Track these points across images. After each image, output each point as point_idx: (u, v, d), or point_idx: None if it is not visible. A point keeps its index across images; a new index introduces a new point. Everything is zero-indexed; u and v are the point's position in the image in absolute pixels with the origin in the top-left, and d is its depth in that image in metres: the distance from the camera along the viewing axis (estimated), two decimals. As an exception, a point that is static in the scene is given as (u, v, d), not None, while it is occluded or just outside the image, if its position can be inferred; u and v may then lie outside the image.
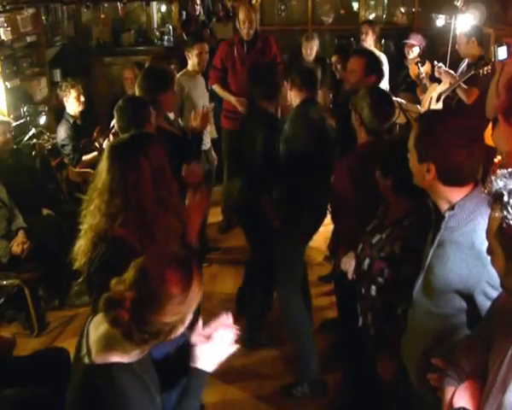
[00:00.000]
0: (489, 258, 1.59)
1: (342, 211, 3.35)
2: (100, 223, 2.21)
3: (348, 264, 2.93)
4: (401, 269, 2.51)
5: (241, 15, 5.30)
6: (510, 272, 1.47)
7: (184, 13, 7.52)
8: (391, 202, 2.70)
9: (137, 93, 3.81)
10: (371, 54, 4.26)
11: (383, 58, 5.83)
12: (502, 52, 3.78)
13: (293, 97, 3.87)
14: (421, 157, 2.07)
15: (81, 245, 2.28)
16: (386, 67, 5.82)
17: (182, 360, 2.03)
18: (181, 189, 2.54)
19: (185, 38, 6.89)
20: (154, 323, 1.65)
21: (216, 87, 5.60)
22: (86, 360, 1.74)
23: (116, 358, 1.73)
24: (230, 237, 5.74)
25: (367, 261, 2.70)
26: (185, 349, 2.01)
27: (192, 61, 5.22)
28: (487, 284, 1.91)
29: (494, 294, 1.91)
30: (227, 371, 3.81)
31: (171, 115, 4.55)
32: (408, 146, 2.18)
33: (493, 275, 1.77)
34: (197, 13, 7.67)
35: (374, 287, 2.65)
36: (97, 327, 1.80)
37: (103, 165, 2.25)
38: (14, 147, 4.91)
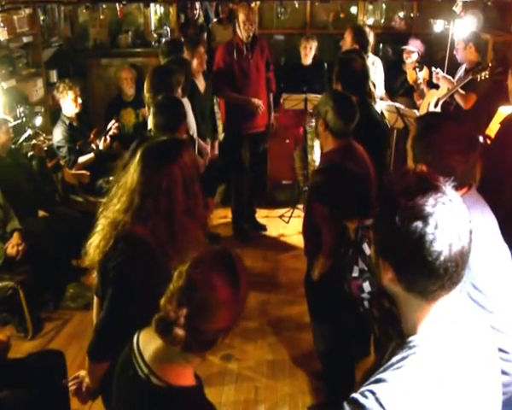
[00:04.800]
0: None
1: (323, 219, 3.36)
2: (125, 222, 2.19)
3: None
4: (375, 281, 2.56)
5: (242, 16, 5.28)
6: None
7: (183, 16, 7.48)
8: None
9: (148, 93, 3.85)
10: None
11: (378, 62, 5.85)
12: None
13: None
14: (415, 158, 2.12)
15: (98, 240, 2.26)
16: (380, 71, 5.83)
17: None
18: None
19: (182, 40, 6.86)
20: (211, 331, 1.61)
21: (228, 93, 5.50)
22: (155, 381, 1.65)
23: (184, 373, 1.68)
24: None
25: (346, 285, 2.79)
26: None
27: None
28: (472, 286, 1.90)
29: (478, 296, 1.93)
30: (223, 372, 3.88)
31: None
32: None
33: (478, 277, 1.76)
34: (196, 16, 7.65)
35: (365, 302, 2.72)
36: (149, 342, 1.73)
37: (136, 166, 2.23)
38: (13, 147, 4.89)
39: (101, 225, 2.29)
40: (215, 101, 6.06)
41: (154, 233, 2.18)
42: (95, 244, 2.27)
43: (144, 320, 1.83)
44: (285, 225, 6.21)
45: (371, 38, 5.32)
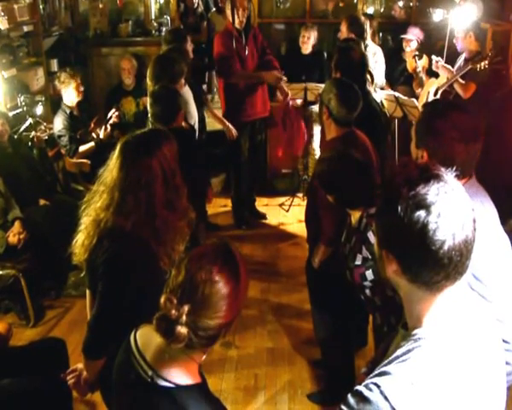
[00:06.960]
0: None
1: (324, 207, 3.38)
2: (107, 219, 2.17)
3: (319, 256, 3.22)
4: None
5: (237, 2, 5.27)
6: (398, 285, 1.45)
7: (182, 5, 7.47)
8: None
9: (150, 81, 3.86)
10: None
11: (379, 51, 5.85)
12: None
13: None
14: (417, 143, 2.13)
15: (82, 239, 2.25)
16: (381, 61, 5.84)
17: None
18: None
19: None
20: (213, 327, 1.59)
21: (241, 73, 5.42)
22: (161, 382, 1.61)
23: (189, 370, 1.65)
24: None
25: (348, 273, 2.78)
26: None
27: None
28: (472, 276, 1.91)
29: (478, 285, 1.92)
30: (223, 359, 3.91)
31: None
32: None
33: (479, 267, 1.77)
34: (195, 5, 7.64)
35: (367, 290, 2.72)
36: (149, 342, 1.69)
37: (115, 161, 2.21)
38: (15, 137, 4.91)
39: (84, 223, 2.27)
40: (215, 90, 6.07)
41: (136, 229, 2.15)
42: (79, 243, 2.26)
43: (137, 314, 1.84)
44: (285, 213, 6.23)
45: (367, 26, 5.31)
